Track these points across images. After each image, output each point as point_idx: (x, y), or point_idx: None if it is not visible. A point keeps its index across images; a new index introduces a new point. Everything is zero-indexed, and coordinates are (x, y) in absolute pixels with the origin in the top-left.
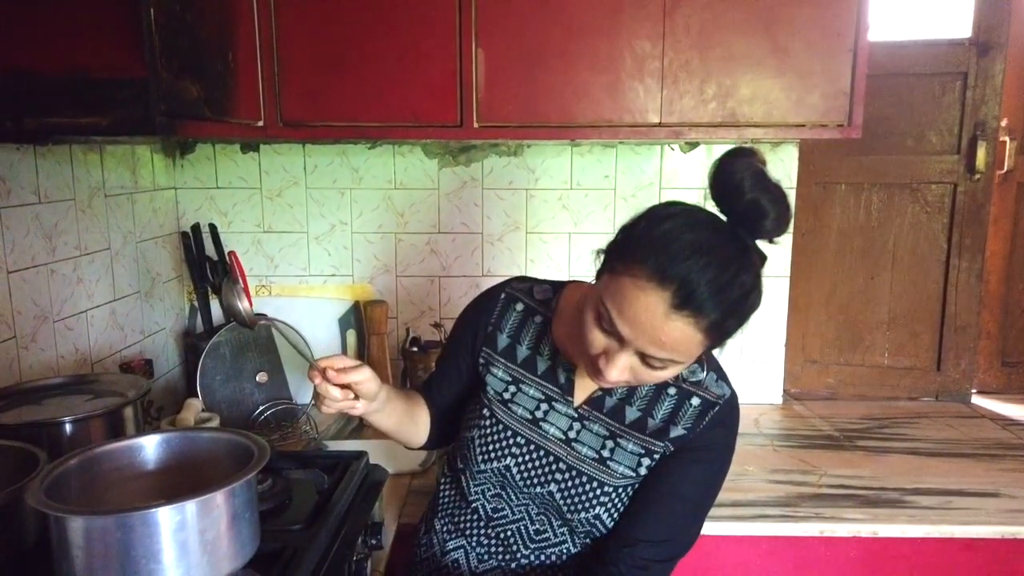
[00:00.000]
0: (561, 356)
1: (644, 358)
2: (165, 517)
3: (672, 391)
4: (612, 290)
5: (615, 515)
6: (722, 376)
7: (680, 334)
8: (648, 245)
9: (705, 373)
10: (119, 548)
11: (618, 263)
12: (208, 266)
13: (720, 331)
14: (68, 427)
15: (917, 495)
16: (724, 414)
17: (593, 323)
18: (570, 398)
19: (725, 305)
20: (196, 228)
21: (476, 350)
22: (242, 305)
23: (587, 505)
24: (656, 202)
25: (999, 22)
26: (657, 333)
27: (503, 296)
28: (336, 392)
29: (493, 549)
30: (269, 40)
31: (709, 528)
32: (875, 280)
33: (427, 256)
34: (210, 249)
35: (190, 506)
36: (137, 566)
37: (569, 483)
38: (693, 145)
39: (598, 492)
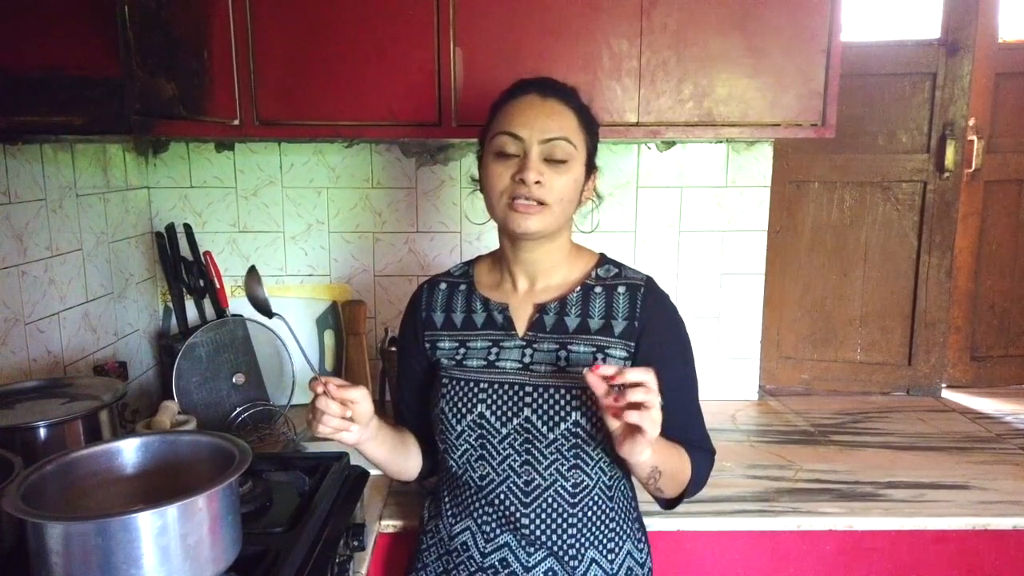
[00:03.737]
0: (493, 302)
1: (546, 158)
2: (146, 522)
3: (598, 290)
4: (499, 121)
5: (594, 420)
6: (635, 269)
7: (558, 111)
8: (508, 90)
9: (619, 269)
10: (99, 554)
11: (493, 115)
12: (183, 266)
13: (578, 107)
14: (43, 431)
15: (891, 488)
16: (653, 291)
17: (496, 162)
18: (513, 332)
19: (565, 87)
20: (171, 228)
21: (421, 342)
22: (264, 293)
23: (563, 414)
24: (633, 201)
25: (967, 23)
26: (544, 114)
27: (424, 287)
28: (335, 407)
29: (496, 519)
30: (245, 38)
31: (687, 524)
32: (848, 277)
33: (405, 255)
34: (185, 249)
35: (171, 510)
36: (118, 572)
37: (539, 400)
38: (670, 144)
39: (568, 397)
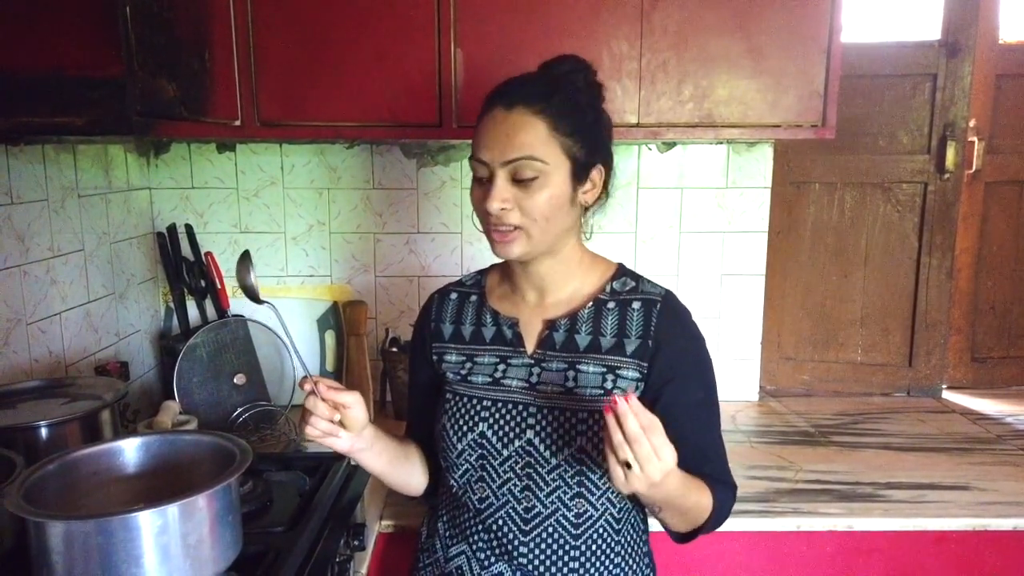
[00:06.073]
0: (502, 316)
1: (514, 179)
2: (146, 521)
3: (611, 304)
4: (473, 144)
5: (601, 447)
6: (654, 283)
7: (521, 125)
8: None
9: (636, 282)
10: (100, 553)
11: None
12: (184, 267)
13: (555, 111)
14: (44, 431)
15: (891, 489)
16: (669, 307)
17: (474, 186)
18: (522, 349)
19: (542, 89)
20: (172, 228)
21: (429, 353)
22: (253, 280)
23: (567, 439)
24: (634, 202)
25: (967, 24)
26: (504, 133)
27: (435, 296)
28: (323, 408)
29: (491, 547)
30: (246, 39)
31: None
32: (848, 278)
33: (406, 256)
34: (186, 250)
35: (172, 510)
36: (118, 571)
37: (543, 422)
38: (670, 145)
39: (574, 421)
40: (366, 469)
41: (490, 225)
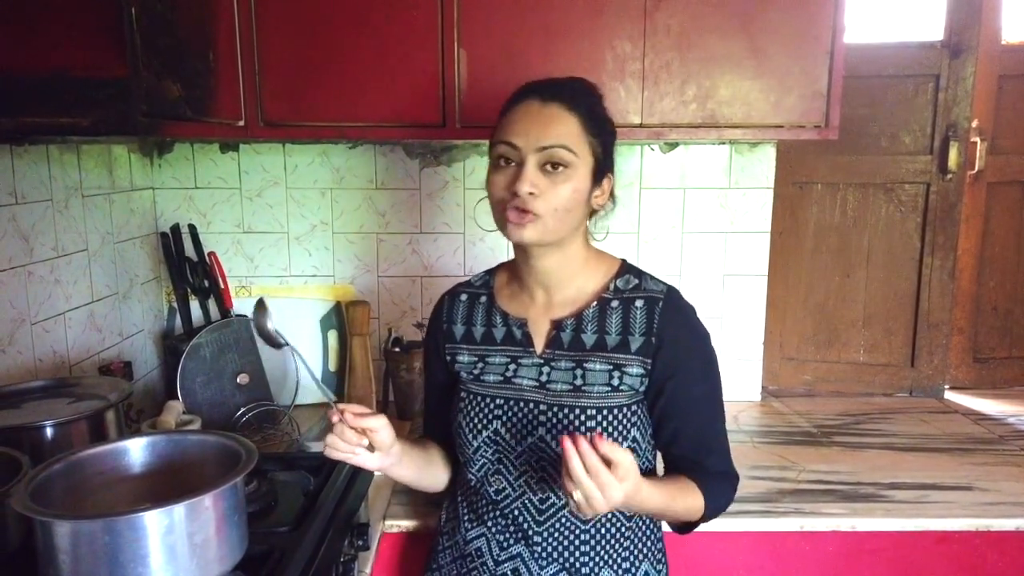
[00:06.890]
0: (512, 317)
1: (543, 167)
2: (153, 521)
3: (615, 303)
4: (500, 129)
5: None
6: (656, 279)
7: (558, 117)
8: (512, 94)
9: (640, 279)
10: (106, 552)
11: (497, 125)
12: (187, 267)
13: (585, 111)
14: (49, 431)
15: (893, 489)
16: (672, 304)
17: (495, 172)
18: (531, 348)
19: (582, 93)
20: (175, 229)
21: (443, 353)
22: (272, 326)
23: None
24: (637, 202)
25: (970, 25)
26: (541, 121)
27: (446, 297)
28: (351, 435)
29: (510, 531)
30: (249, 39)
31: None
32: (851, 278)
33: (409, 256)
34: (189, 250)
35: (178, 509)
36: (125, 570)
37: (554, 420)
38: (673, 145)
39: (583, 418)
40: (395, 479)
41: (507, 208)
